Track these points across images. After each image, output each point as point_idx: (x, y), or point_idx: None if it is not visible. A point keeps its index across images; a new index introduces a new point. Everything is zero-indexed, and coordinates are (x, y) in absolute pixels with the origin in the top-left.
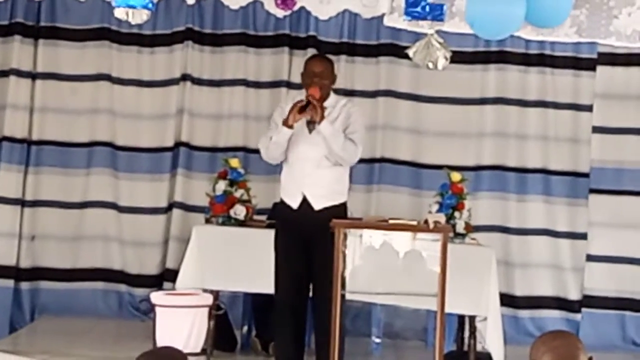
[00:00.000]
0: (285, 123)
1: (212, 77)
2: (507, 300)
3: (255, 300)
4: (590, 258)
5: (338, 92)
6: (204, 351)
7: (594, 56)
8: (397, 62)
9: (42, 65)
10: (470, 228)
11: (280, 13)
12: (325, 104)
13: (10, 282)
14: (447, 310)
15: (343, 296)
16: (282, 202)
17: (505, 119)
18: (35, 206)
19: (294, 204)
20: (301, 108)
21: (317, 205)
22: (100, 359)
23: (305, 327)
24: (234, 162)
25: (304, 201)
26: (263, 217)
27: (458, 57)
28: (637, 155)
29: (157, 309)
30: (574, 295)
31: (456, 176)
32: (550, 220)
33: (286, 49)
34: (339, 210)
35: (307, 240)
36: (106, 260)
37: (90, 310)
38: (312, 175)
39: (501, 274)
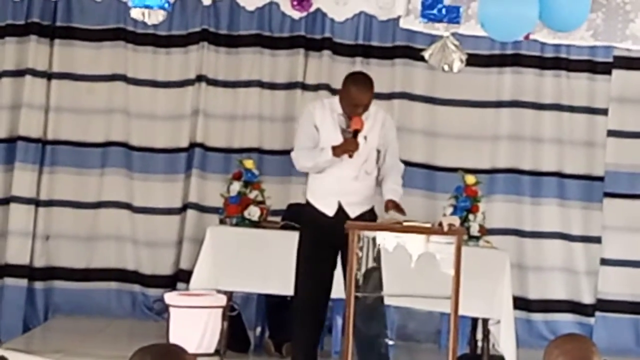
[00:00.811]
0: (335, 154)
1: (227, 78)
2: (521, 303)
3: (269, 302)
4: (604, 262)
5: None
6: (217, 352)
7: (610, 60)
8: (413, 65)
9: (57, 65)
10: (485, 231)
11: (296, 14)
12: (365, 115)
13: (24, 282)
14: (461, 312)
15: (357, 297)
16: (313, 208)
17: (520, 122)
18: (50, 206)
19: (330, 212)
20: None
21: (353, 213)
22: (114, 358)
23: (323, 329)
24: (249, 163)
25: (340, 209)
26: (277, 218)
27: (474, 60)
28: None
29: (171, 310)
30: (587, 299)
31: (471, 179)
32: (565, 224)
33: (302, 50)
34: (371, 214)
35: (339, 245)
36: (120, 260)
37: (103, 310)
38: (349, 187)
39: (515, 277)
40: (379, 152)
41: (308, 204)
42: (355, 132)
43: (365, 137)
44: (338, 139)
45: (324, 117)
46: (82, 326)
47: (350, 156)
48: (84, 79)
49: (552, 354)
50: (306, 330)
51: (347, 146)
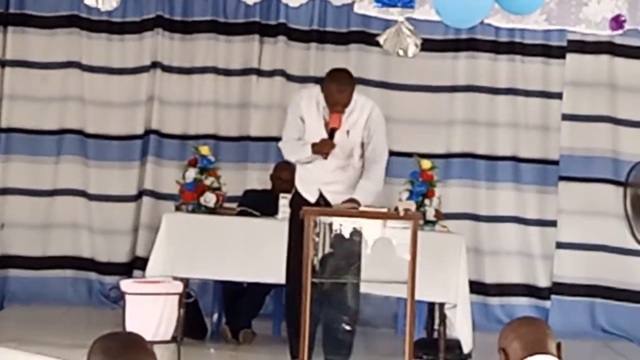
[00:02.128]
0: (314, 152)
1: (182, 64)
2: (477, 287)
3: (225, 288)
4: (559, 245)
5: (309, 80)
6: (174, 339)
7: (564, 44)
8: (368, 50)
9: (11, 53)
10: (441, 215)
11: (250, 0)
12: (350, 108)
13: None
14: (417, 297)
15: (314, 283)
16: (298, 194)
17: (475, 106)
18: (5, 194)
19: (312, 198)
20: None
21: (334, 201)
22: (70, 347)
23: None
24: (204, 150)
25: (321, 196)
26: (233, 205)
27: (428, 45)
28: (606, 142)
29: (127, 297)
30: (543, 282)
31: (426, 164)
32: (520, 208)
33: (256, 36)
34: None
35: None
36: (76, 248)
37: (59, 299)
38: (331, 176)
39: (471, 261)
40: (364, 144)
41: (295, 189)
42: (332, 131)
43: (347, 132)
44: (321, 132)
45: (310, 108)
46: (38, 315)
47: (325, 158)
48: (38, 66)
49: (507, 338)
50: (298, 311)
51: (321, 148)
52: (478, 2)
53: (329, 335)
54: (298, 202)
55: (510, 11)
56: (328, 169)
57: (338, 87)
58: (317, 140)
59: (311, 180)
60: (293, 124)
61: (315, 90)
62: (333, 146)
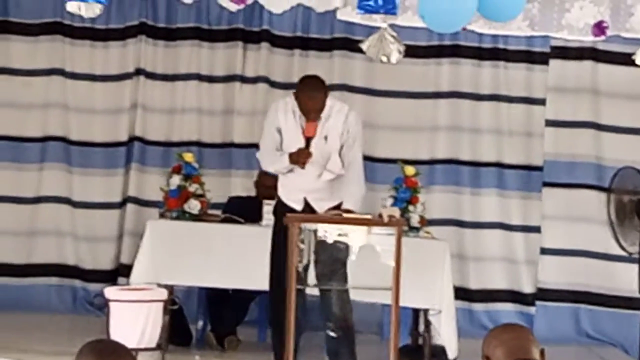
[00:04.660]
0: (292, 161)
1: (166, 71)
2: (462, 293)
3: (210, 295)
4: (544, 251)
5: (292, 86)
6: (158, 346)
7: (547, 50)
8: (351, 56)
9: None
10: (425, 222)
11: (233, 7)
12: (325, 114)
13: None
14: (402, 303)
15: (298, 290)
16: (282, 203)
17: (458, 112)
18: None
19: (298, 206)
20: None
21: (320, 208)
22: (54, 354)
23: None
24: (188, 157)
25: (307, 204)
26: (217, 212)
27: (412, 51)
28: (589, 148)
29: (111, 304)
30: (528, 288)
31: (410, 170)
32: (504, 214)
33: (240, 43)
34: (339, 209)
35: None
36: (60, 255)
37: (44, 306)
38: (314, 184)
39: (455, 267)
40: (342, 148)
41: (278, 198)
42: (308, 140)
43: (325, 138)
44: (299, 141)
45: (286, 118)
46: (23, 322)
47: (302, 167)
48: (21, 73)
49: (490, 344)
50: (284, 321)
51: (298, 157)
52: (461, 6)
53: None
54: (282, 210)
55: (491, 18)
56: (310, 177)
57: (309, 94)
58: (294, 149)
59: (295, 188)
60: (269, 134)
61: (290, 99)
62: (309, 155)
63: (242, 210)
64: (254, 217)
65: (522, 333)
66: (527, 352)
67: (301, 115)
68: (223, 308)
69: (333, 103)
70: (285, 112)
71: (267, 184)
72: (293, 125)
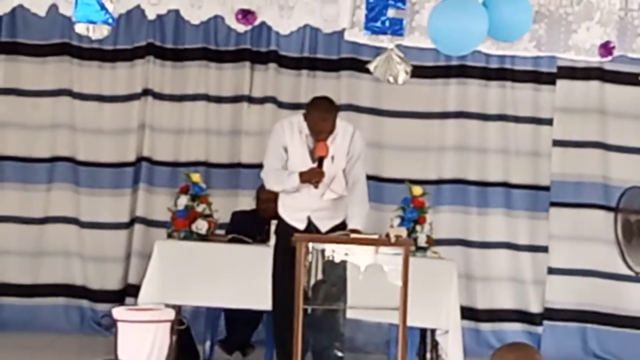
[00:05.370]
0: (302, 181)
1: (174, 91)
2: (469, 313)
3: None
4: (551, 271)
5: (300, 107)
6: None
7: (554, 70)
8: (358, 77)
9: (2, 81)
10: (432, 242)
11: (241, 28)
12: (332, 135)
13: None
14: (409, 323)
15: (305, 310)
16: (284, 222)
17: (465, 132)
18: None
19: (301, 226)
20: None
21: (324, 227)
22: None
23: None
24: (196, 177)
25: (310, 223)
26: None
27: (419, 72)
28: (596, 168)
29: (119, 324)
30: (535, 308)
31: (417, 190)
32: (511, 234)
33: (247, 63)
34: (342, 227)
35: None
36: (67, 275)
37: (51, 326)
38: (318, 204)
39: (462, 287)
40: (345, 168)
41: (280, 218)
42: (320, 160)
43: (332, 157)
44: (306, 161)
45: (292, 137)
46: (30, 342)
47: (316, 187)
48: (29, 94)
49: None
50: (288, 339)
51: (312, 177)
52: (473, 29)
53: None
54: (284, 230)
55: (498, 38)
56: (314, 196)
57: (322, 115)
58: (302, 168)
59: (298, 207)
60: (275, 153)
61: (296, 118)
62: (323, 175)
63: (246, 225)
64: (258, 231)
65: (528, 352)
66: None
67: (308, 135)
68: (237, 321)
69: (339, 122)
70: (291, 131)
71: (265, 197)
72: (299, 145)
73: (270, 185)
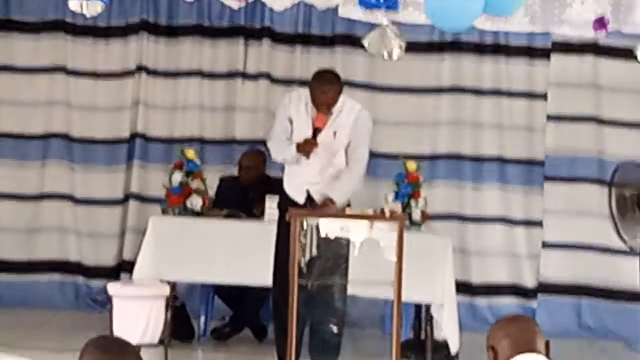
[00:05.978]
0: (298, 151)
1: (168, 68)
2: (464, 287)
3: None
4: (545, 245)
5: (294, 82)
6: (161, 342)
7: (548, 45)
8: (353, 53)
9: None
10: (426, 216)
11: (235, 4)
12: (337, 109)
13: None
14: (404, 298)
15: (300, 285)
16: (286, 196)
17: (460, 107)
18: None
19: (300, 199)
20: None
21: (319, 199)
22: (57, 350)
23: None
24: (190, 153)
25: (309, 197)
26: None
27: (413, 47)
28: (591, 143)
29: (114, 300)
30: (529, 282)
31: (412, 165)
32: (506, 208)
33: (241, 40)
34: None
35: None
36: (62, 252)
37: (46, 303)
38: (318, 177)
39: (457, 261)
40: (349, 144)
41: (283, 191)
42: (316, 131)
43: (334, 133)
44: (308, 132)
45: (298, 109)
46: (25, 319)
47: (307, 156)
48: (24, 71)
49: (496, 336)
50: (286, 316)
51: (304, 146)
52: (469, 6)
53: (316, 337)
54: (286, 204)
55: (492, 13)
56: (314, 170)
57: (322, 87)
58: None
59: (298, 181)
60: (281, 124)
61: (304, 91)
62: (315, 145)
63: (230, 193)
64: (240, 197)
65: (529, 325)
66: (533, 344)
67: (313, 107)
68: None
69: (346, 99)
70: (298, 103)
71: (245, 164)
72: (304, 117)
73: (274, 155)
